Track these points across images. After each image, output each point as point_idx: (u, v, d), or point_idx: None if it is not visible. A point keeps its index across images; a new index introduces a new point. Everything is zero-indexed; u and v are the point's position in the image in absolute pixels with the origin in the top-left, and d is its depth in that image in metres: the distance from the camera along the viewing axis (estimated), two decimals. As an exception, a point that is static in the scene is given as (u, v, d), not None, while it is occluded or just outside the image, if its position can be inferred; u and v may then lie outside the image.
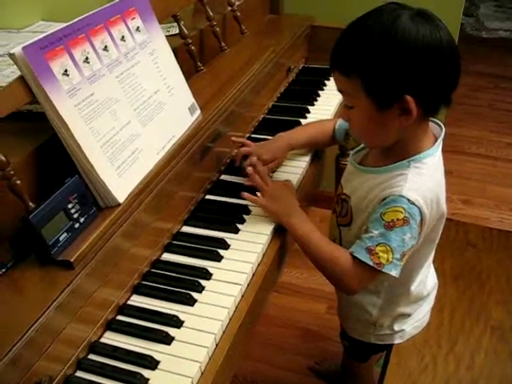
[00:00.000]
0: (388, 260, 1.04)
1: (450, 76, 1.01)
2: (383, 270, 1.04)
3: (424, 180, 1.06)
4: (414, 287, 1.23)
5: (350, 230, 1.19)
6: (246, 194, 1.24)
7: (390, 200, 1.04)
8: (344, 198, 1.21)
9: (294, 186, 1.33)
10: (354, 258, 1.06)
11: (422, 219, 1.05)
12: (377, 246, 1.04)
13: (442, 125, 1.13)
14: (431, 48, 0.96)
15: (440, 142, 1.11)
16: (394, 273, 1.05)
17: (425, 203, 1.04)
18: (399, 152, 1.09)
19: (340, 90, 1.08)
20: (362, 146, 1.23)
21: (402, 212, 1.03)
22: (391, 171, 1.08)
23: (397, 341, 1.32)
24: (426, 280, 1.27)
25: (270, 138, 1.53)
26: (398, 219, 1.03)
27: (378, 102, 1.00)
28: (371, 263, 1.04)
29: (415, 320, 1.31)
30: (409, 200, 1.03)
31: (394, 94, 0.99)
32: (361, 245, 1.06)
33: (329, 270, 1.12)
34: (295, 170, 1.44)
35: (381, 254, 1.04)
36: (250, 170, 1.26)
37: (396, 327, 1.29)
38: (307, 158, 1.48)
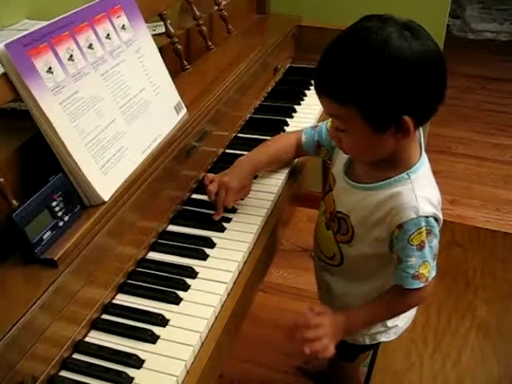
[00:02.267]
0: (429, 271, 1.09)
1: (440, 89, 1.01)
2: (429, 280, 1.10)
3: (427, 188, 1.08)
4: None
5: (352, 246, 1.18)
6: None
7: (410, 225, 1.05)
8: (341, 217, 1.18)
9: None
10: (408, 290, 1.10)
11: (437, 221, 1.08)
12: (419, 268, 1.08)
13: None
14: (425, 64, 0.95)
15: (423, 148, 1.12)
16: (434, 274, 1.11)
17: (436, 209, 1.07)
18: (394, 165, 1.08)
19: (331, 114, 1.06)
20: (348, 158, 1.19)
21: (424, 230, 1.05)
22: (391, 187, 1.07)
23: (392, 337, 1.31)
24: None
25: (256, 137, 1.54)
26: (423, 238, 1.06)
27: (375, 125, 0.99)
28: (422, 285, 1.09)
29: (408, 314, 1.30)
30: (426, 217, 1.05)
31: (392, 116, 0.97)
32: (406, 276, 1.09)
33: (403, 312, 1.22)
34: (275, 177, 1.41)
35: (424, 271, 1.08)
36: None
37: (389, 323, 1.27)
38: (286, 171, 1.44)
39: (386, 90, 0.94)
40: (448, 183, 2.88)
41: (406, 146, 1.07)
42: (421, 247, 1.06)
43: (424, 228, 1.05)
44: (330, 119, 1.15)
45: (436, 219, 1.07)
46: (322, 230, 1.27)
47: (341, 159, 1.20)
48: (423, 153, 1.11)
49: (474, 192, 2.87)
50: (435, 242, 1.09)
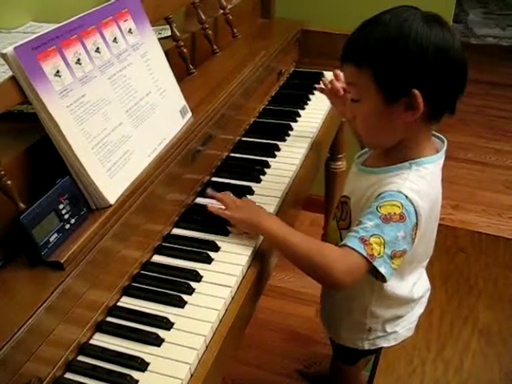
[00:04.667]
0: (380, 253, 1.00)
1: (457, 79, 1.04)
2: (374, 263, 1.00)
3: (423, 184, 1.06)
4: (402, 291, 1.23)
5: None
6: (210, 206, 1.22)
7: (387, 194, 1.04)
8: (344, 201, 1.20)
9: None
10: (346, 247, 1.02)
11: (417, 223, 1.04)
12: (371, 236, 1.00)
13: (444, 139, 1.14)
14: (442, 47, 1.00)
15: (443, 152, 1.12)
16: (384, 271, 1.01)
17: (422, 208, 1.04)
18: (401, 154, 1.10)
19: (348, 83, 1.10)
20: (365, 149, 1.24)
21: (399, 207, 1.01)
22: (392, 171, 1.09)
23: (392, 343, 1.30)
24: (418, 283, 1.27)
25: (260, 141, 1.54)
26: (394, 213, 1.01)
27: (387, 93, 1.02)
28: (364, 253, 0.99)
29: (408, 322, 1.30)
30: (407, 197, 1.02)
31: (403, 86, 1.00)
32: (354, 235, 1.02)
33: (316, 263, 1.04)
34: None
35: (375, 245, 1.00)
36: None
37: (388, 329, 1.28)
38: (293, 168, 1.46)
39: (401, 58, 1.00)
40: (450, 188, 2.88)
41: (415, 138, 1.08)
42: (385, 219, 1.01)
43: (400, 204, 1.01)
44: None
45: (417, 216, 1.03)
46: (330, 220, 1.29)
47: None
48: (439, 156, 1.11)
49: (475, 197, 2.87)
50: (402, 236, 1.02)
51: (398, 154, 1.10)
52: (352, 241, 1.02)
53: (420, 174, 1.07)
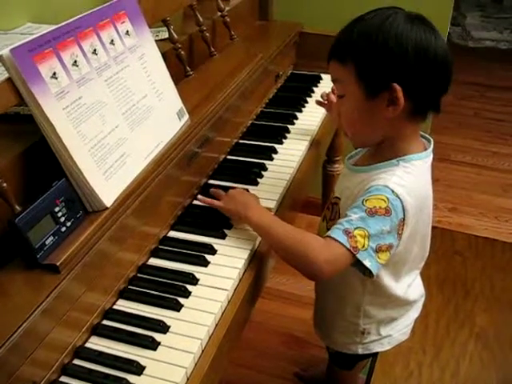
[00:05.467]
0: (364, 246, 1.01)
1: (438, 78, 1.05)
2: (357, 256, 1.00)
3: (410, 180, 1.06)
4: (397, 292, 1.22)
5: None
6: (200, 197, 1.27)
7: (373, 189, 1.04)
8: (334, 202, 1.21)
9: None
10: (329, 238, 1.03)
11: (403, 218, 1.04)
12: (355, 229, 1.01)
13: (430, 138, 1.15)
14: (421, 45, 1.01)
15: (430, 150, 1.13)
16: (369, 264, 1.01)
17: (409, 203, 1.04)
18: (388, 152, 1.10)
19: (334, 80, 1.12)
20: (355, 151, 1.24)
21: (384, 201, 1.02)
22: (379, 168, 1.09)
23: (386, 347, 1.30)
24: (412, 285, 1.27)
25: (257, 143, 1.54)
26: (380, 207, 1.01)
27: (368, 88, 1.04)
28: (348, 245, 1.00)
29: (403, 326, 1.30)
30: (393, 191, 1.03)
31: (383, 80, 1.02)
32: (338, 227, 1.03)
33: (298, 252, 1.05)
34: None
35: (358, 237, 1.00)
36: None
37: (383, 332, 1.28)
38: (290, 171, 1.47)
39: (380, 52, 1.01)
40: (447, 191, 2.89)
41: (401, 135, 1.09)
42: (370, 212, 1.01)
43: (385, 198, 1.02)
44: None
45: (404, 211, 1.03)
46: (320, 222, 1.30)
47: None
48: (427, 154, 1.12)
49: (472, 200, 2.87)
50: (387, 230, 1.02)
51: (385, 152, 1.11)
52: (336, 232, 1.02)
53: (407, 170, 1.07)
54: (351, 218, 1.03)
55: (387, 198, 1.02)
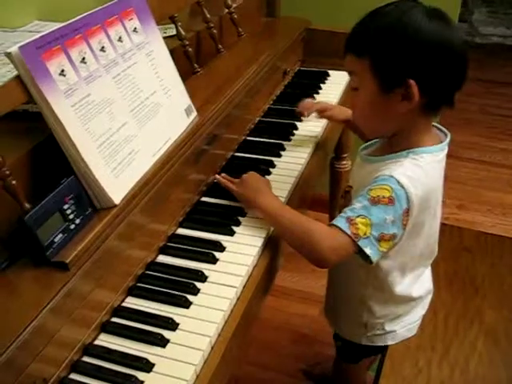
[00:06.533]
0: (365, 234, 1.02)
1: (454, 74, 1.04)
2: (359, 243, 1.02)
3: (418, 173, 1.06)
4: (401, 288, 1.22)
5: None
6: (218, 176, 1.31)
7: (379, 178, 1.05)
8: (348, 190, 1.23)
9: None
10: (333, 225, 1.05)
11: (408, 208, 1.04)
12: (357, 217, 1.03)
13: (447, 132, 1.15)
14: (440, 40, 1.00)
15: (445, 144, 1.12)
16: (369, 252, 1.03)
17: (415, 194, 1.04)
18: (399, 144, 1.11)
19: (349, 72, 1.12)
20: (370, 142, 1.25)
21: (388, 190, 1.03)
22: (389, 159, 1.10)
23: (389, 342, 1.31)
24: (418, 282, 1.27)
25: (265, 140, 1.54)
26: (383, 196, 1.02)
27: (384, 82, 1.04)
28: (349, 232, 1.02)
29: (407, 322, 1.30)
30: (398, 182, 1.03)
31: (399, 76, 1.01)
32: (341, 215, 1.05)
33: (303, 238, 1.07)
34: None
35: (360, 225, 1.02)
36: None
37: (387, 327, 1.28)
38: (302, 161, 1.47)
39: (397, 47, 1.01)
40: (454, 188, 2.88)
41: (413, 128, 1.09)
42: (373, 201, 1.03)
43: (389, 187, 1.03)
44: None
45: (408, 202, 1.04)
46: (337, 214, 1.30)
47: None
48: (440, 148, 1.11)
49: (480, 197, 2.86)
50: (390, 220, 1.03)
51: (397, 144, 1.11)
52: (339, 220, 1.05)
53: (416, 162, 1.07)
54: (355, 206, 1.04)
55: (391, 188, 1.03)
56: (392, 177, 1.04)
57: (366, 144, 1.26)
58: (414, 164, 1.07)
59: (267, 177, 1.39)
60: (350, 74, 1.12)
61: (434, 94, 1.04)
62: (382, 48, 1.02)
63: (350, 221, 1.03)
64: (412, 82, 1.00)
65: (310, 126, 1.62)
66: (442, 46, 1.00)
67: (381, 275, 1.18)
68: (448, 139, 1.13)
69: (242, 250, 1.15)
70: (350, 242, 1.03)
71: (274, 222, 1.16)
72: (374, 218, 1.02)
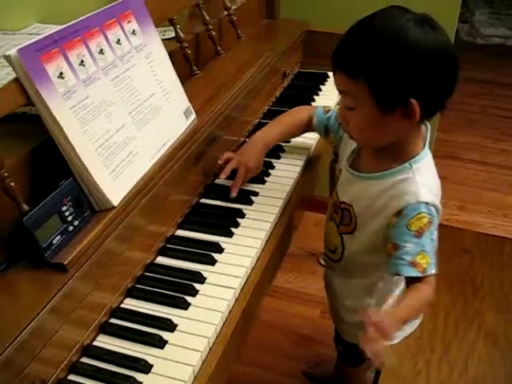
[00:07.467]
0: (428, 263, 1.05)
1: (450, 79, 1.03)
2: (427, 273, 1.05)
3: (428, 179, 1.09)
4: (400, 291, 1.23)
5: (355, 237, 1.19)
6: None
7: (409, 210, 1.05)
8: (345, 207, 1.20)
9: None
10: (401, 275, 1.07)
11: (437, 211, 1.08)
12: (416, 256, 1.05)
13: (427, 124, 1.13)
14: (437, 53, 0.99)
15: (427, 142, 1.13)
16: (434, 271, 1.06)
17: (438, 199, 1.08)
18: (397, 155, 1.10)
19: (342, 91, 1.07)
20: (352, 150, 1.22)
21: (424, 217, 1.05)
22: (394, 176, 1.09)
23: (393, 341, 1.30)
24: None
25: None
26: (424, 224, 1.05)
27: (383, 104, 1.01)
28: (420, 274, 1.05)
29: (404, 332, 1.31)
30: (426, 204, 1.05)
31: (400, 97, 0.99)
32: (402, 263, 1.05)
33: (425, 308, 1.20)
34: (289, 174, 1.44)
35: (422, 261, 1.05)
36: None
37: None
38: (301, 163, 1.48)
39: (397, 69, 0.98)
40: (455, 189, 2.88)
41: (410, 138, 1.09)
42: (419, 234, 1.04)
43: (423, 214, 1.04)
44: (339, 106, 1.15)
45: (436, 209, 1.07)
46: (327, 221, 1.30)
47: (346, 152, 1.23)
48: (426, 145, 1.12)
49: (481, 198, 2.86)
50: (435, 235, 1.07)
51: (394, 155, 1.10)
52: (404, 269, 1.05)
53: (421, 172, 1.08)
54: (407, 248, 1.05)
55: (425, 213, 1.05)
56: (419, 202, 1.05)
57: (348, 155, 1.23)
58: (421, 174, 1.08)
59: (266, 178, 1.39)
60: (342, 93, 1.07)
61: (431, 104, 1.04)
62: (380, 71, 0.98)
63: (413, 265, 1.05)
64: (414, 101, 0.98)
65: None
66: (440, 57, 0.99)
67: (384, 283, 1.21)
68: (429, 132, 1.13)
69: (240, 251, 1.15)
70: (422, 277, 1.05)
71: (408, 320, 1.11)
72: (427, 246, 1.05)
